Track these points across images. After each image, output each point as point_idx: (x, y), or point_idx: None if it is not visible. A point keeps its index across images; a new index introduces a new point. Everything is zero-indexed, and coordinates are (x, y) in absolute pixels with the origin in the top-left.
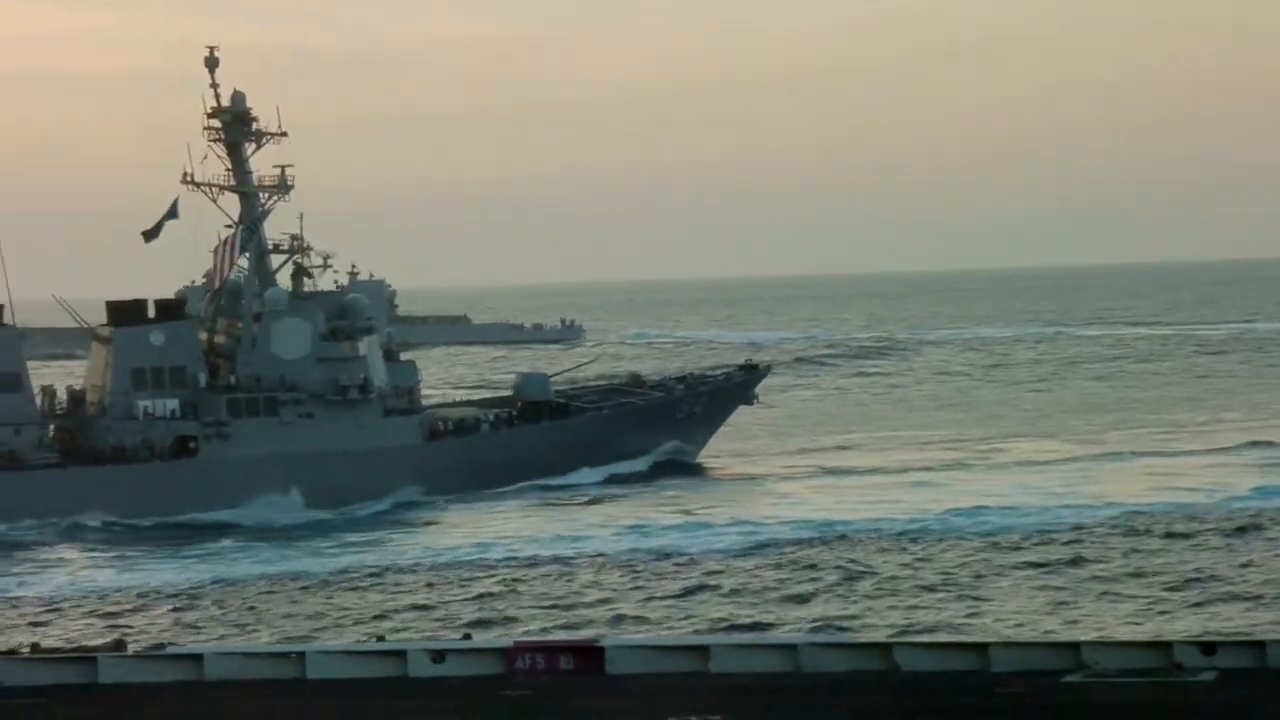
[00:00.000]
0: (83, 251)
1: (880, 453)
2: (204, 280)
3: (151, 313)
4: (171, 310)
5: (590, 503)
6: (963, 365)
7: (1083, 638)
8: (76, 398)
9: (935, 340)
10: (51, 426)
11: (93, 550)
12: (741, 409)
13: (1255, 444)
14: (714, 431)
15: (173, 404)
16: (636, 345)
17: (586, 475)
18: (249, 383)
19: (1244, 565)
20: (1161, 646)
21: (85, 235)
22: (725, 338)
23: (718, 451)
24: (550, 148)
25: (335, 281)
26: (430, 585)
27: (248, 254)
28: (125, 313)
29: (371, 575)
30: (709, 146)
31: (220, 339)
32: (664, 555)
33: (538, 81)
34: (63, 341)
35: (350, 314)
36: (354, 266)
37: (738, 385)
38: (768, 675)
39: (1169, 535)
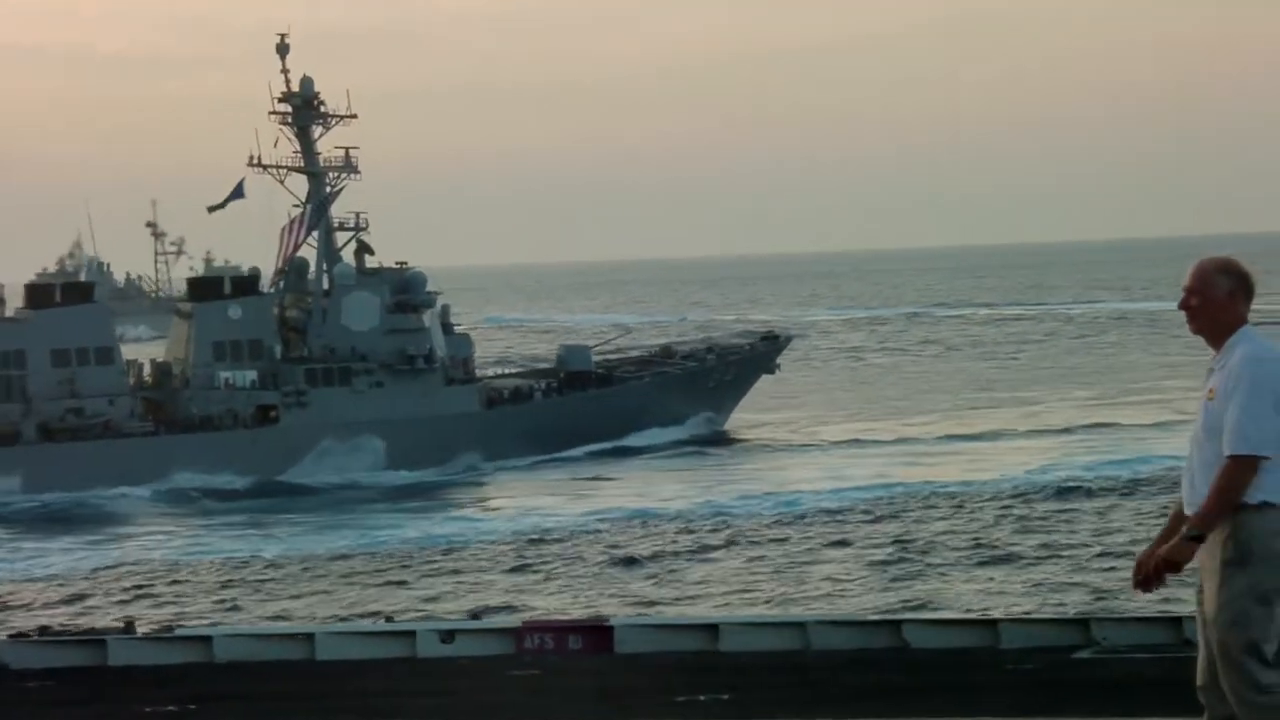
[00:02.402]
0: (187, 230)
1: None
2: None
3: (228, 289)
4: (247, 286)
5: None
6: (833, 347)
7: (1094, 614)
8: (163, 369)
9: (813, 321)
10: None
11: (177, 518)
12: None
13: (1086, 426)
14: (740, 399)
15: (251, 375)
16: (497, 328)
17: (634, 441)
18: (323, 354)
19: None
20: (1171, 622)
21: (188, 214)
22: (587, 321)
23: None
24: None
25: (190, 267)
26: (456, 561)
27: (315, 232)
28: (204, 288)
29: (433, 551)
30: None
31: (291, 313)
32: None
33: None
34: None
35: (413, 288)
36: (209, 253)
37: (762, 355)
38: (777, 654)
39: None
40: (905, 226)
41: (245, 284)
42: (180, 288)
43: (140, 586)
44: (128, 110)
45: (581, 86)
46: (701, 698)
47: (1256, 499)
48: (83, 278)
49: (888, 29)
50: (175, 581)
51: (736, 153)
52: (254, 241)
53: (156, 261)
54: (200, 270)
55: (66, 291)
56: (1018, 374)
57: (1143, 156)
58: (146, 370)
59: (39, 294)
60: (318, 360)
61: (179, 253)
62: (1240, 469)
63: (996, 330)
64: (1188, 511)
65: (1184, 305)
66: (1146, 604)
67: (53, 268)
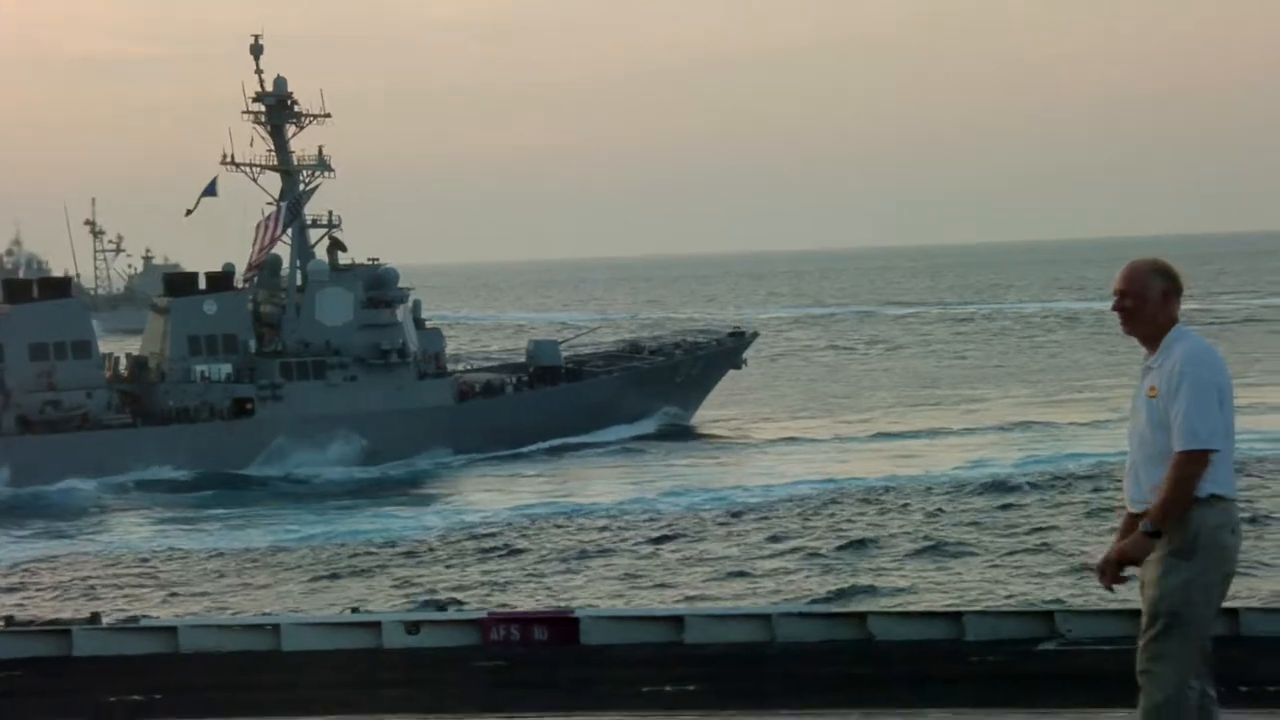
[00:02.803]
0: (129, 228)
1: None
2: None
3: (203, 284)
4: (221, 282)
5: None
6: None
7: (1056, 606)
8: (140, 363)
9: (767, 319)
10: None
11: (148, 511)
12: (731, 373)
13: (1022, 424)
14: (705, 395)
15: (226, 368)
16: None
17: (604, 436)
18: (297, 348)
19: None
20: (1134, 615)
21: (131, 212)
22: (541, 319)
23: None
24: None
25: (129, 264)
26: (420, 552)
27: (289, 229)
28: (179, 284)
29: (386, 545)
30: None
31: (265, 308)
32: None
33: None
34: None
35: (386, 284)
36: (148, 250)
37: (729, 351)
38: (742, 645)
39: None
40: (879, 226)
41: (219, 280)
42: (119, 285)
43: (73, 580)
44: (84, 109)
45: (556, 89)
46: (668, 689)
47: (1205, 492)
48: (21, 274)
49: (874, 28)
50: (116, 574)
51: (710, 153)
52: (228, 239)
53: (95, 259)
54: (140, 268)
55: (44, 286)
56: (962, 372)
57: (1129, 155)
58: (123, 364)
59: (16, 289)
60: (292, 354)
61: (118, 250)
62: (1192, 463)
63: (945, 328)
64: (1131, 508)
65: (1118, 308)
66: (1109, 597)
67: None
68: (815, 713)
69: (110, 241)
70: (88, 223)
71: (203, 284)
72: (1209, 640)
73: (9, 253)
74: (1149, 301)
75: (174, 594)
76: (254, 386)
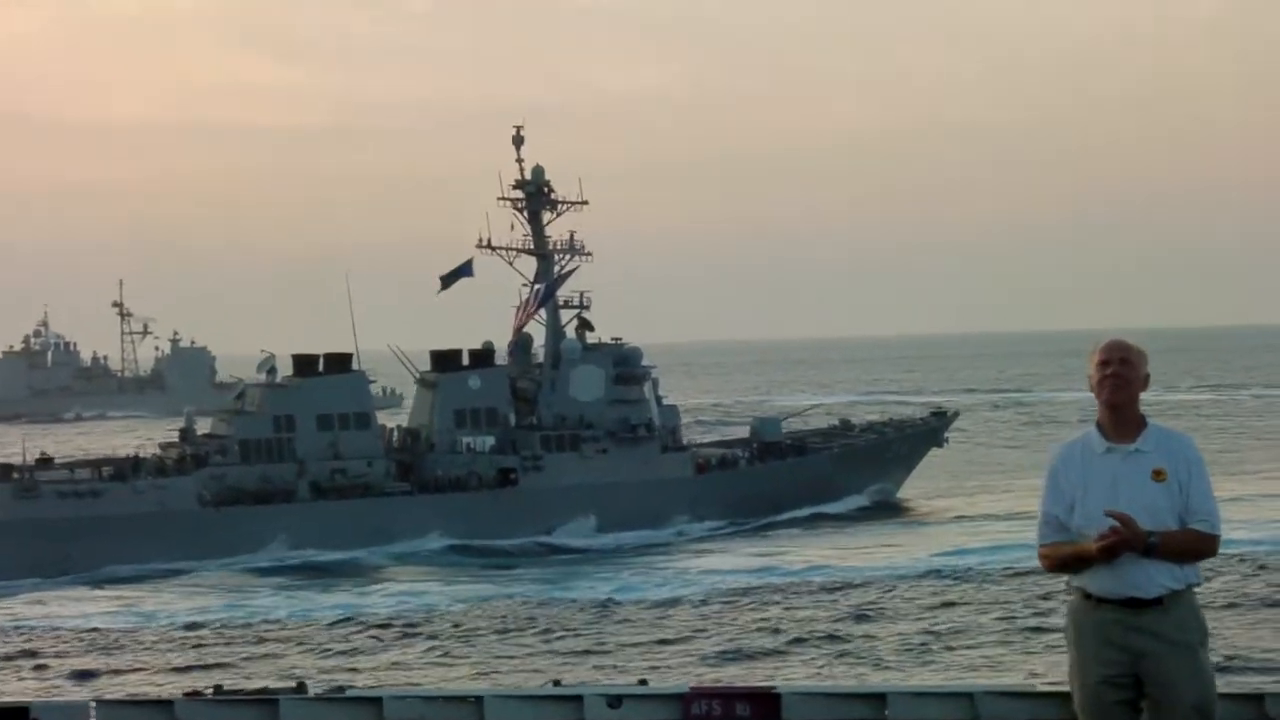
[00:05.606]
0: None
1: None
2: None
3: (466, 360)
4: (483, 358)
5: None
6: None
7: (1268, 687)
8: (413, 434)
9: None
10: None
11: (425, 575)
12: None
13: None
14: (909, 472)
15: (490, 440)
16: None
17: (824, 509)
18: (554, 421)
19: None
20: None
21: (389, 292)
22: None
23: None
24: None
25: (156, 347)
26: (632, 619)
27: (544, 310)
28: (446, 361)
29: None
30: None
31: (521, 384)
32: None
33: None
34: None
35: (632, 361)
36: (176, 333)
37: (932, 429)
38: None
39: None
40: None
41: (482, 356)
42: (146, 368)
43: (293, 644)
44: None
45: (785, 160)
46: None
47: (1198, 580)
48: (49, 357)
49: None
50: (336, 638)
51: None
52: (484, 318)
53: (123, 341)
54: (167, 350)
55: (329, 362)
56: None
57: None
58: (395, 435)
59: (304, 364)
60: (549, 427)
61: (145, 333)
62: (1216, 547)
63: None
64: (1145, 594)
65: (1116, 374)
66: None
67: (18, 345)
68: None
69: (139, 323)
70: (115, 304)
71: (466, 360)
72: None
73: (36, 334)
74: (1138, 380)
75: (385, 661)
76: (517, 458)
